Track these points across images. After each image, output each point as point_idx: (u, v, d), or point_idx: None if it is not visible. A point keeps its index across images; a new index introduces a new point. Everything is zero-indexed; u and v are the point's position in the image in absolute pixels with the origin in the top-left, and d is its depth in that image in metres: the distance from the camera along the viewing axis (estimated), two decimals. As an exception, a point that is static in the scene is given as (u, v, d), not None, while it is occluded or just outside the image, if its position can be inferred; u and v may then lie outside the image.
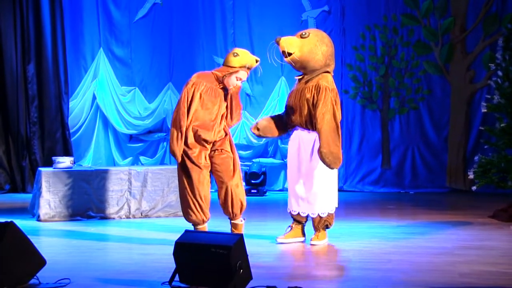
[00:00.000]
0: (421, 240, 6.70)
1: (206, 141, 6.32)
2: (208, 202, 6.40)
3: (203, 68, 11.20)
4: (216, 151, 6.39)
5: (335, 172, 6.43)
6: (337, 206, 6.52)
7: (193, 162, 6.30)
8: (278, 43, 6.41)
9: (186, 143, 6.30)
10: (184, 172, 6.33)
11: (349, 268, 5.51)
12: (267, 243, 6.53)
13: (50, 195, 7.91)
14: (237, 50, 6.42)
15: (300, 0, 11.05)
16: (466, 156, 10.71)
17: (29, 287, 4.79)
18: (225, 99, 6.42)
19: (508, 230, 7.22)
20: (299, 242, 6.55)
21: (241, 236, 4.72)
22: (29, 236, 4.92)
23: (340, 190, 10.76)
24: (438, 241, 6.67)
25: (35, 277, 4.86)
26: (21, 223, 6.93)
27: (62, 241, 6.80)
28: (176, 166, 6.53)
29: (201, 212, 6.35)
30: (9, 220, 4.88)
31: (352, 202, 9.77)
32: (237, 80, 6.35)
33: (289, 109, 6.50)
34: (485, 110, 8.45)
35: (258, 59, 6.44)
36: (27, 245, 4.86)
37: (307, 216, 6.51)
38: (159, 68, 11.38)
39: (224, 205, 6.44)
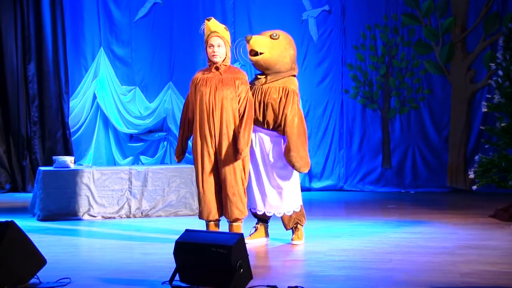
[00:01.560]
0: (421, 240, 6.70)
1: (204, 136, 6.30)
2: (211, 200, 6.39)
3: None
4: (220, 153, 6.28)
5: (295, 172, 6.45)
6: (301, 204, 6.51)
7: (196, 157, 6.33)
8: (248, 42, 6.41)
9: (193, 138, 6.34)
10: None
11: (350, 267, 5.51)
12: (267, 242, 6.53)
13: (51, 195, 7.91)
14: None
15: (301, 0, 11.04)
16: (467, 155, 10.70)
17: (29, 287, 4.78)
18: (236, 91, 6.31)
19: (509, 230, 7.22)
20: (263, 242, 6.56)
21: (241, 236, 4.71)
22: (29, 236, 4.92)
23: (340, 189, 10.87)
24: (439, 240, 6.67)
25: (35, 276, 4.86)
26: (22, 222, 6.92)
27: (63, 241, 6.79)
28: (176, 166, 6.51)
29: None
30: (9, 219, 4.88)
31: (353, 202, 9.77)
32: (209, 48, 6.30)
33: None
34: (486, 110, 8.45)
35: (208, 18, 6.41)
36: (27, 245, 4.85)
37: (271, 216, 6.52)
38: (159, 67, 11.38)
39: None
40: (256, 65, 6.49)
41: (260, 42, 6.38)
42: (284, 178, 6.40)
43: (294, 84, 6.43)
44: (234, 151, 6.23)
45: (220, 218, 6.44)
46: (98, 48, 11.33)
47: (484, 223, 7.69)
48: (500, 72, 8.18)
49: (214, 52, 6.29)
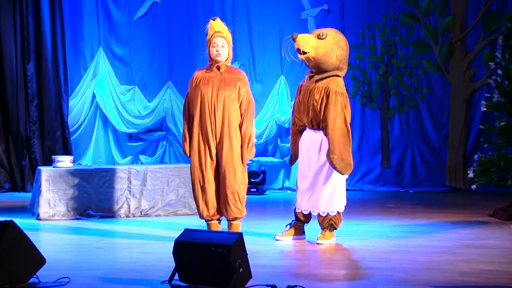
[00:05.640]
0: (421, 239, 6.70)
1: (205, 135, 6.31)
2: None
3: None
4: (221, 152, 6.32)
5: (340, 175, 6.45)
6: (345, 204, 6.53)
7: (195, 156, 6.33)
8: (294, 40, 6.40)
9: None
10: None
11: (349, 267, 5.51)
12: (266, 242, 6.53)
13: (50, 194, 7.91)
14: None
15: (300, -1, 11.05)
16: (466, 154, 10.70)
17: (28, 286, 4.78)
18: (236, 89, 6.35)
19: (508, 229, 7.22)
20: (297, 240, 6.57)
21: (240, 235, 4.71)
22: (28, 235, 4.91)
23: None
24: (438, 240, 6.67)
25: (34, 276, 4.86)
26: (21, 222, 6.92)
27: (62, 240, 6.79)
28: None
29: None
30: (8, 219, 4.88)
31: (352, 201, 9.75)
32: (212, 47, 6.32)
33: (298, 105, 6.52)
34: (485, 109, 8.44)
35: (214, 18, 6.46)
36: (26, 244, 4.85)
37: (310, 215, 6.52)
38: (158, 67, 11.38)
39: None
40: (306, 64, 6.50)
41: (305, 41, 6.37)
42: (330, 178, 6.39)
43: (337, 84, 6.37)
44: (236, 151, 6.26)
45: (221, 218, 6.46)
46: (97, 48, 11.33)
47: (484, 222, 7.69)
48: (499, 71, 8.18)
49: (218, 51, 6.31)
